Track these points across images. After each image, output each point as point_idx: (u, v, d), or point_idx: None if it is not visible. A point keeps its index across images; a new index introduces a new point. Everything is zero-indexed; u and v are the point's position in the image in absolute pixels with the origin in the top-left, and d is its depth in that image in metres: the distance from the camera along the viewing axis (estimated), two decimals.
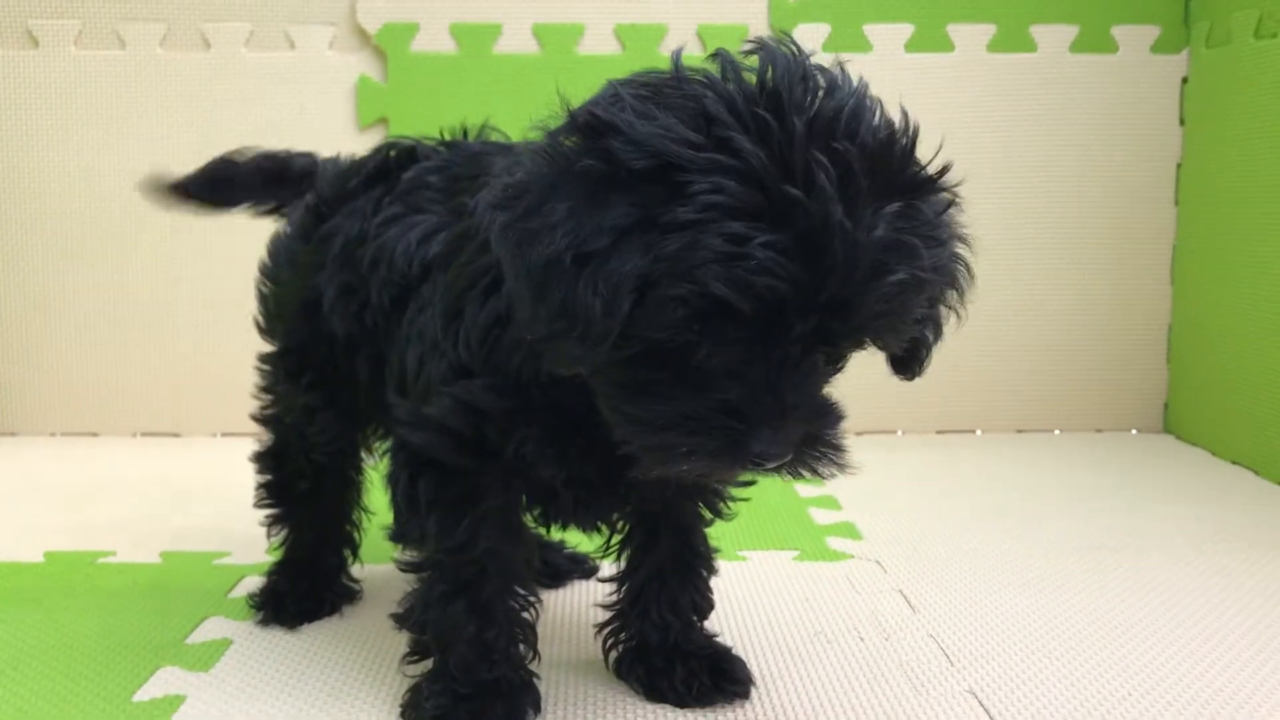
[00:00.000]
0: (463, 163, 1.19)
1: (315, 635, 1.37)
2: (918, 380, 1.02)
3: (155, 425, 2.47)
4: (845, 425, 0.92)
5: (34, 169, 2.39)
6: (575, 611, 1.44)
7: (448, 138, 1.28)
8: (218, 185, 1.47)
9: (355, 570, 1.48)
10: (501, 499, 1.08)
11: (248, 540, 1.68)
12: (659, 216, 0.82)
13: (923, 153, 0.88)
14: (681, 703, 1.17)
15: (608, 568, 1.26)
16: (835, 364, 0.94)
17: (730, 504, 1.21)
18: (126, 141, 2.39)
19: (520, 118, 1.25)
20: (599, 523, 1.16)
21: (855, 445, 0.94)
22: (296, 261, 1.33)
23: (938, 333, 0.97)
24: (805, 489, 1.98)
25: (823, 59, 0.88)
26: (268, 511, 1.43)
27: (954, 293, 0.95)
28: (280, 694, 1.21)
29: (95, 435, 2.46)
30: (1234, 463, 2.22)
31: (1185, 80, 2.41)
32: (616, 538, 1.21)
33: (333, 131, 2.36)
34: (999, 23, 2.41)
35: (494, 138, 1.27)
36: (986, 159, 2.42)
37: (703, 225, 0.80)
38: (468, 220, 1.06)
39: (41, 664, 1.28)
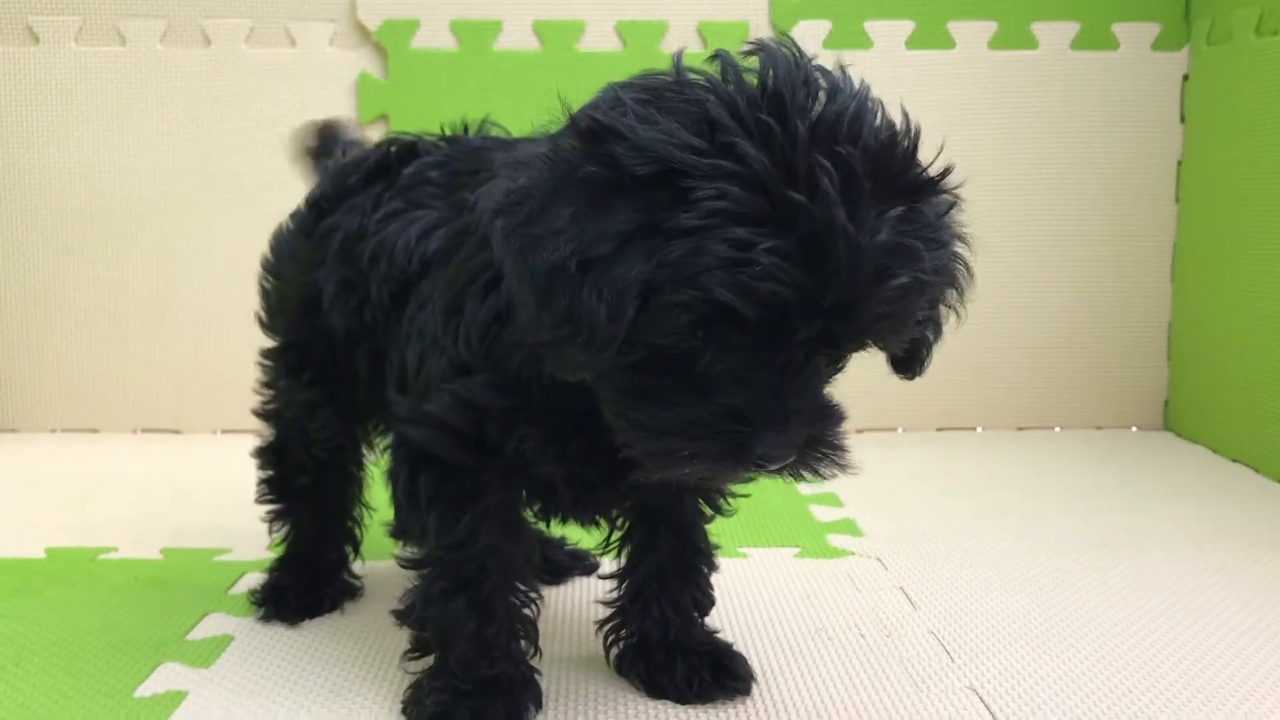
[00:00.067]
0: (463, 158, 1.19)
1: (316, 631, 1.37)
2: (918, 378, 1.02)
3: (156, 422, 2.47)
4: (846, 425, 0.92)
5: (34, 165, 2.39)
6: (576, 608, 1.44)
7: (448, 134, 1.28)
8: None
9: (356, 566, 1.48)
10: (501, 496, 1.08)
11: (248, 537, 1.68)
12: (662, 222, 0.82)
13: (924, 154, 0.88)
14: (682, 699, 1.18)
15: (608, 564, 1.26)
16: (836, 365, 0.94)
17: (730, 501, 1.21)
18: (127, 138, 2.39)
19: (521, 114, 1.25)
20: (598, 519, 1.16)
21: (856, 443, 0.94)
22: (297, 257, 1.33)
23: (938, 332, 0.98)
24: (806, 487, 1.98)
25: (824, 59, 0.88)
26: (269, 507, 1.43)
27: (954, 292, 0.95)
28: (281, 690, 1.21)
29: (96, 432, 2.47)
30: (1234, 460, 2.22)
31: (1186, 77, 2.41)
32: (617, 534, 1.21)
33: None
34: (1000, 20, 2.41)
35: (494, 133, 1.27)
36: (987, 156, 2.42)
37: (707, 231, 0.80)
38: (467, 216, 1.06)
39: (42, 660, 1.28)
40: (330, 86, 2.38)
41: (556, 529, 1.29)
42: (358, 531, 1.46)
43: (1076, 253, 2.47)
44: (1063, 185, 2.45)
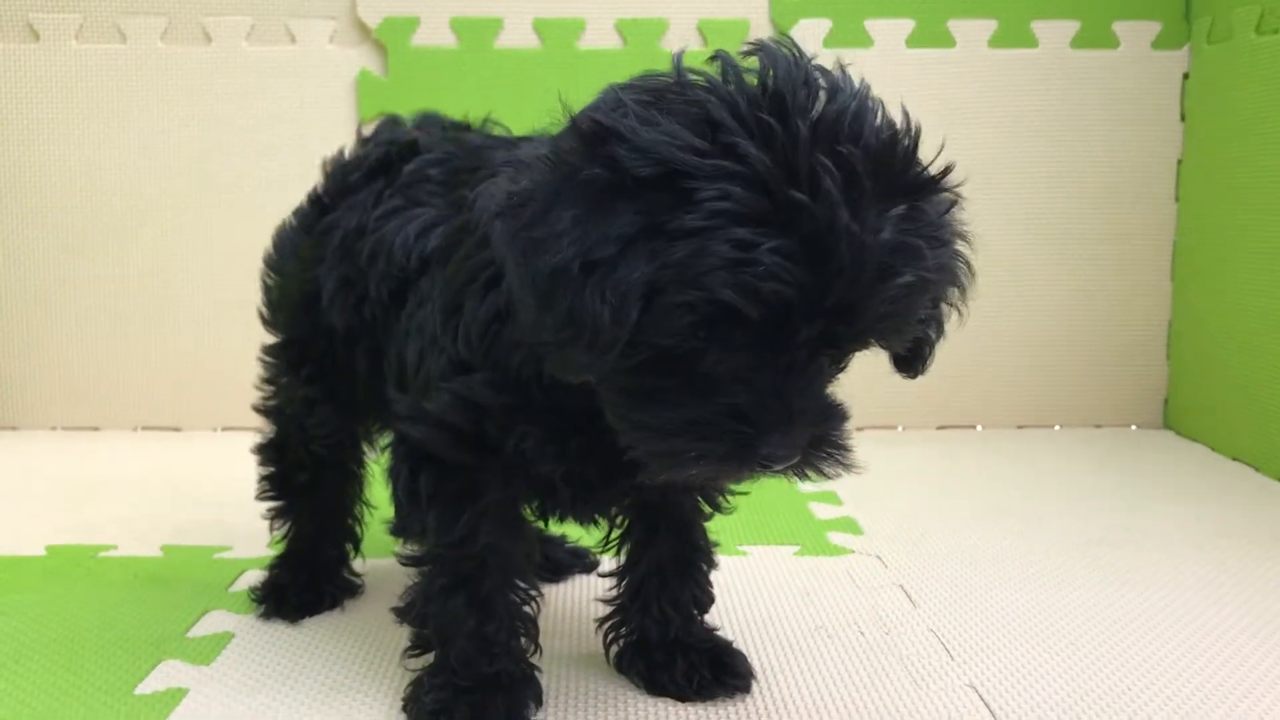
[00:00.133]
0: (464, 156, 1.19)
1: (317, 629, 1.37)
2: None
3: (156, 419, 2.47)
4: (849, 425, 0.93)
5: (35, 163, 2.39)
6: (576, 606, 1.44)
7: (449, 132, 1.28)
8: None
9: (357, 564, 1.48)
10: (501, 494, 1.08)
11: (249, 534, 1.68)
12: (665, 223, 0.82)
13: (924, 152, 0.88)
14: (682, 696, 1.18)
15: (608, 562, 1.26)
16: (839, 365, 0.94)
17: (730, 499, 1.21)
18: (127, 135, 2.39)
19: (521, 112, 1.26)
20: (598, 517, 1.16)
21: (856, 441, 0.94)
22: (299, 254, 1.33)
23: (940, 331, 0.98)
24: (806, 484, 1.97)
25: (824, 58, 0.88)
26: (269, 504, 1.44)
27: (956, 291, 0.95)
28: (282, 687, 1.21)
29: (96, 429, 2.47)
30: (1234, 459, 2.22)
31: (1186, 76, 2.41)
32: (617, 532, 1.21)
33: (333, 126, 2.36)
34: (1000, 18, 2.41)
35: (496, 132, 1.27)
36: (987, 155, 2.42)
37: (710, 232, 0.80)
38: (467, 214, 1.06)
39: (43, 657, 1.28)
40: (330, 84, 2.38)
41: (556, 527, 1.29)
42: (358, 529, 1.46)
43: (1076, 251, 2.47)
44: (1063, 184, 2.45)
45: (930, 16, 2.41)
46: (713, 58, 0.88)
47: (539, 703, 1.14)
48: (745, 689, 1.19)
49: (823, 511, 1.86)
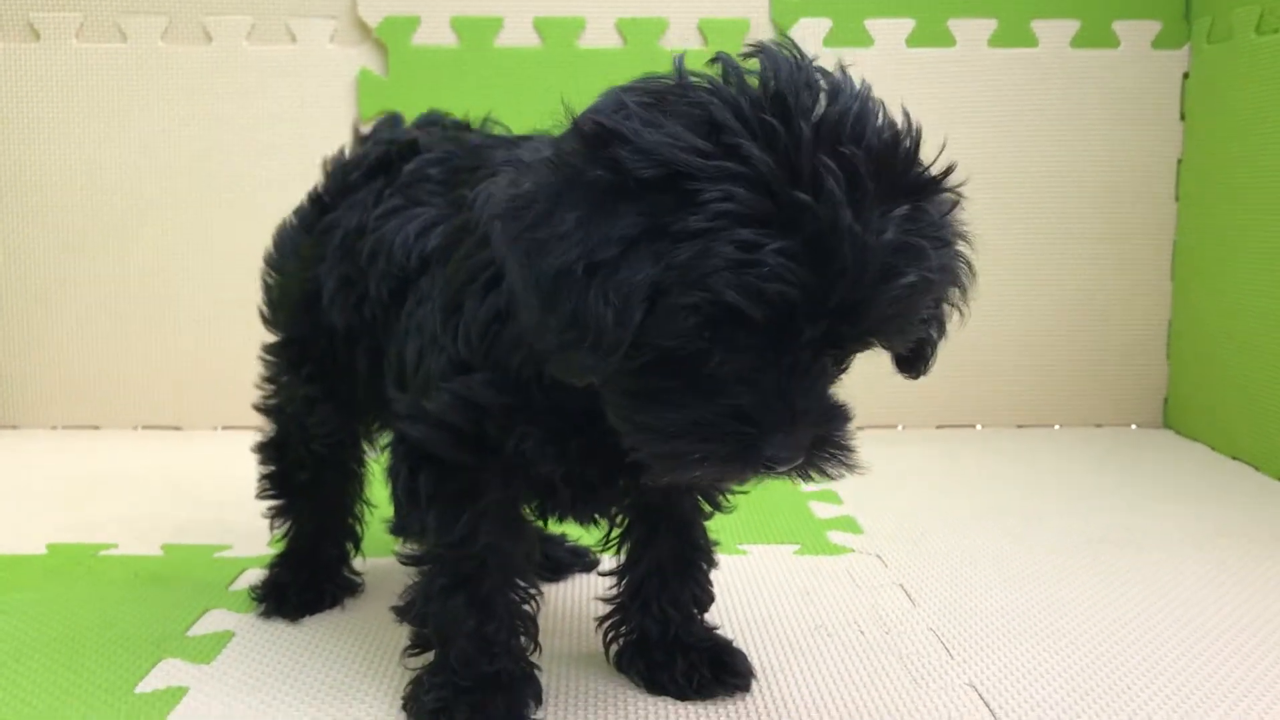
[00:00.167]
0: (463, 155, 1.19)
1: (317, 628, 1.37)
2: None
3: (156, 418, 2.47)
4: (852, 425, 0.93)
5: (35, 162, 2.39)
6: (576, 605, 1.45)
7: (449, 131, 1.28)
8: None
9: (357, 563, 1.48)
10: (501, 494, 1.08)
11: (249, 533, 1.68)
12: (668, 225, 0.82)
13: (925, 153, 0.88)
14: (682, 695, 1.18)
15: (608, 561, 1.26)
16: (841, 365, 0.94)
17: (730, 498, 1.21)
18: (128, 135, 2.39)
19: (521, 111, 1.26)
20: (597, 516, 1.16)
21: (858, 441, 0.94)
22: (299, 253, 1.33)
23: (941, 331, 0.98)
24: (806, 484, 1.98)
25: (824, 57, 0.88)
26: (270, 502, 1.44)
27: (957, 291, 0.95)
28: (282, 686, 1.21)
29: (96, 428, 2.47)
30: (1233, 458, 2.22)
31: (1186, 75, 2.41)
32: (617, 531, 1.22)
33: (334, 125, 2.36)
34: (1000, 17, 2.41)
35: (496, 130, 1.27)
36: (987, 154, 2.42)
37: (714, 233, 0.80)
38: (466, 213, 1.06)
39: (43, 656, 1.28)
40: (331, 83, 2.38)
41: (556, 526, 1.29)
42: (358, 528, 1.47)
43: (1076, 250, 2.47)
44: (1063, 183, 2.45)
45: (930, 16, 2.41)
46: (713, 60, 0.88)
47: (539, 701, 1.14)
48: (745, 688, 1.19)
49: (823, 510, 1.86)
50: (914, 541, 1.71)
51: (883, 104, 0.87)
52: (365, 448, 1.43)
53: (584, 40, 2.37)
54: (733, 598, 1.46)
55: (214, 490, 1.97)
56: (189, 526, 1.77)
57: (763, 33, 2.38)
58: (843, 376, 0.96)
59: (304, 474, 1.40)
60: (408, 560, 1.12)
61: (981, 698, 1.18)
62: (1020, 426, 2.52)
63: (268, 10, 2.37)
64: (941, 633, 1.35)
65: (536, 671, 1.15)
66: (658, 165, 0.82)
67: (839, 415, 0.91)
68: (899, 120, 0.87)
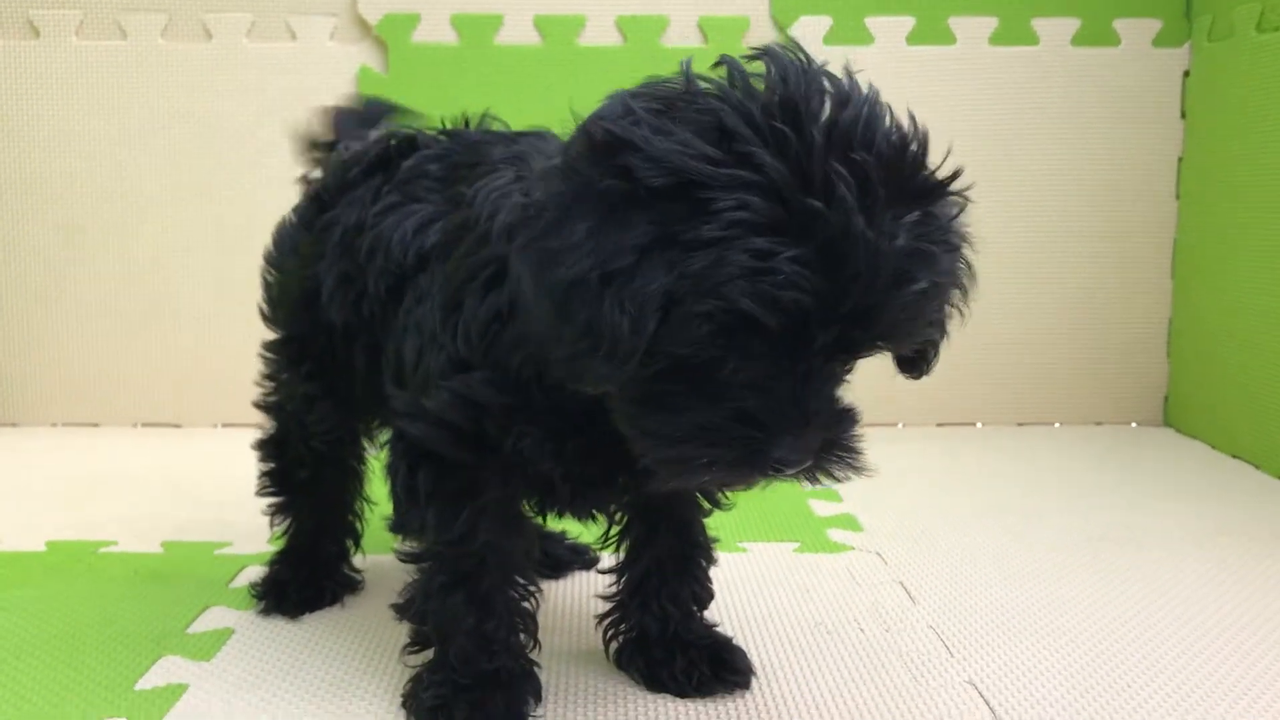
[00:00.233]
0: (461, 151, 1.19)
1: (317, 625, 1.37)
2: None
3: (156, 416, 2.47)
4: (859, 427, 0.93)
5: (35, 160, 2.39)
6: (576, 602, 1.44)
7: (448, 127, 1.27)
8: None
9: (357, 560, 1.48)
10: (500, 491, 1.08)
11: (249, 530, 1.68)
12: (681, 234, 0.82)
13: (932, 156, 0.88)
14: (682, 693, 1.18)
15: (608, 559, 1.26)
16: (849, 368, 0.94)
17: (729, 496, 1.21)
18: (128, 132, 2.39)
19: (521, 109, 1.25)
20: (596, 513, 1.16)
21: (862, 443, 0.94)
22: (298, 250, 1.33)
23: (944, 332, 0.98)
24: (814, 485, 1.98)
25: (824, 55, 0.88)
26: (269, 500, 1.44)
27: (959, 292, 0.95)
28: (282, 683, 1.21)
29: (96, 426, 2.47)
30: (1234, 456, 2.22)
31: (1187, 74, 2.41)
32: (616, 529, 1.21)
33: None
34: (1000, 15, 2.41)
35: (495, 127, 1.26)
36: (987, 153, 2.41)
37: (727, 242, 0.80)
38: (466, 210, 1.06)
39: (43, 653, 1.28)
40: (331, 80, 2.38)
41: (556, 523, 1.29)
42: (358, 525, 1.46)
43: (1077, 248, 2.47)
44: (1063, 181, 2.45)
45: (931, 14, 2.41)
46: (718, 63, 0.88)
47: (538, 699, 1.14)
48: (744, 685, 1.19)
49: (822, 508, 1.86)
50: (914, 539, 1.70)
51: (890, 108, 0.87)
52: (365, 445, 1.43)
53: (584, 38, 2.37)
54: (732, 595, 1.46)
55: (214, 488, 1.97)
56: (189, 524, 1.77)
57: (763, 30, 2.38)
58: (849, 379, 0.96)
59: (304, 471, 1.40)
60: (407, 558, 1.12)
61: (981, 695, 1.18)
62: (1020, 424, 2.52)
63: (268, 7, 2.37)
64: (941, 630, 1.35)
65: (536, 669, 1.15)
66: (669, 174, 0.82)
67: (848, 418, 0.92)
68: (905, 124, 0.87)
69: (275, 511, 1.44)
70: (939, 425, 2.52)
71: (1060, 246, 2.47)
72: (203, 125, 2.38)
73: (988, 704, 1.16)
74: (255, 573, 1.48)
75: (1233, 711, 1.15)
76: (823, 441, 0.89)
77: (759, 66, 0.87)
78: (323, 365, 1.31)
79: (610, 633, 1.24)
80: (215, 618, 1.39)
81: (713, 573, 1.24)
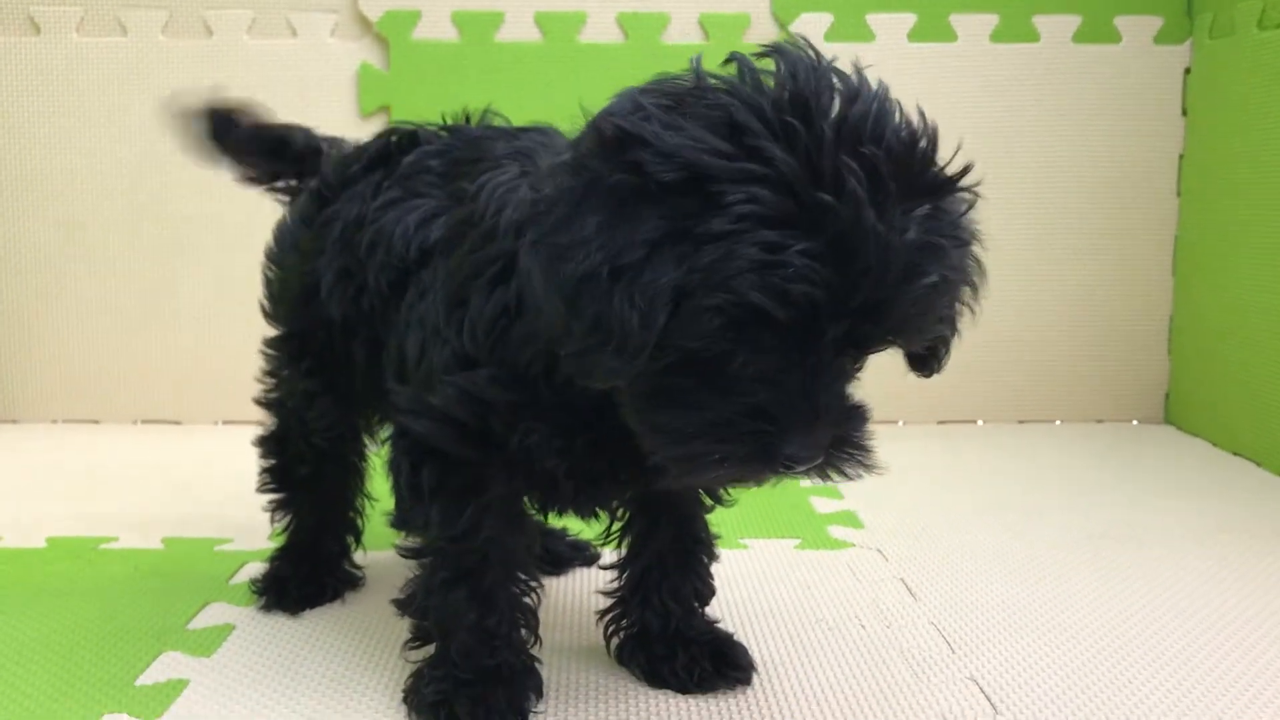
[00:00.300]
0: (463, 147, 1.19)
1: (317, 621, 1.37)
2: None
3: (157, 413, 2.47)
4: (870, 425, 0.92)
5: (35, 157, 2.39)
6: (577, 598, 1.44)
7: (449, 123, 1.27)
8: (224, 126, 1.46)
9: (358, 556, 1.48)
10: (504, 488, 1.08)
11: (249, 527, 1.68)
12: (692, 228, 0.82)
13: (942, 153, 0.88)
14: (683, 689, 1.18)
15: (609, 555, 1.26)
16: (859, 365, 0.94)
17: (731, 492, 1.21)
18: (128, 129, 2.38)
19: (522, 105, 1.25)
20: (598, 509, 1.16)
21: (873, 440, 0.94)
22: (299, 246, 1.33)
23: (954, 330, 0.98)
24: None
25: (835, 54, 0.88)
26: (270, 496, 1.43)
27: (969, 290, 0.95)
28: (282, 679, 1.21)
29: (96, 423, 2.47)
30: (1235, 454, 2.22)
31: (1188, 71, 2.41)
32: (618, 525, 1.21)
33: (334, 119, 2.35)
34: (1001, 13, 2.40)
35: (496, 123, 1.26)
36: (988, 150, 2.41)
37: (737, 235, 0.80)
38: (470, 205, 1.06)
39: (44, 649, 1.28)
40: (331, 77, 2.38)
41: (557, 520, 1.29)
42: (359, 521, 1.46)
43: (1077, 246, 2.47)
44: (1064, 179, 2.45)
45: (932, 11, 2.40)
46: (728, 60, 0.88)
47: (539, 695, 1.14)
48: (746, 681, 1.19)
49: (823, 505, 1.86)
50: (915, 536, 1.70)
51: (899, 104, 0.87)
52: (366, 441, 1.43)
53: (585, 35, 2.37)
54: (734, 592, 1.46)
55: (214, 484, 1.97)
56: (189, 520, 1.77)
57: (764, 27, 2.38)
58: (859, 376, 0.95)
59: (304, 468, 1.40)
60: (408, 553, 1.12)
61: (982, 691, 1.18)
62: (1021, 422, 2.52)
63: (268, 4, 2.37)
64: (942, 627, 1.35)
65: (537, 664, 1.15)
66: (679, 168, 0.82)
67: (858, 415, 0.92)
68: (915, 120, 0.87)
69: (276, 508, 1.44)
70: (940, 423, 2.52)
71: (1061, 244, 2.47)
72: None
73: (989, 700, 1.16)
74: (256, 569, 1.48)
75: (1234, 708, 1.15)
76: (833, 438, 0.89)
77: (769, 64, 0.87)
78: (323, 361, 1.31)
79: (611, 629, 1.24)
80: (216, 614, 1.39)
81: (714, 569, 1.24)
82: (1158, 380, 2.52)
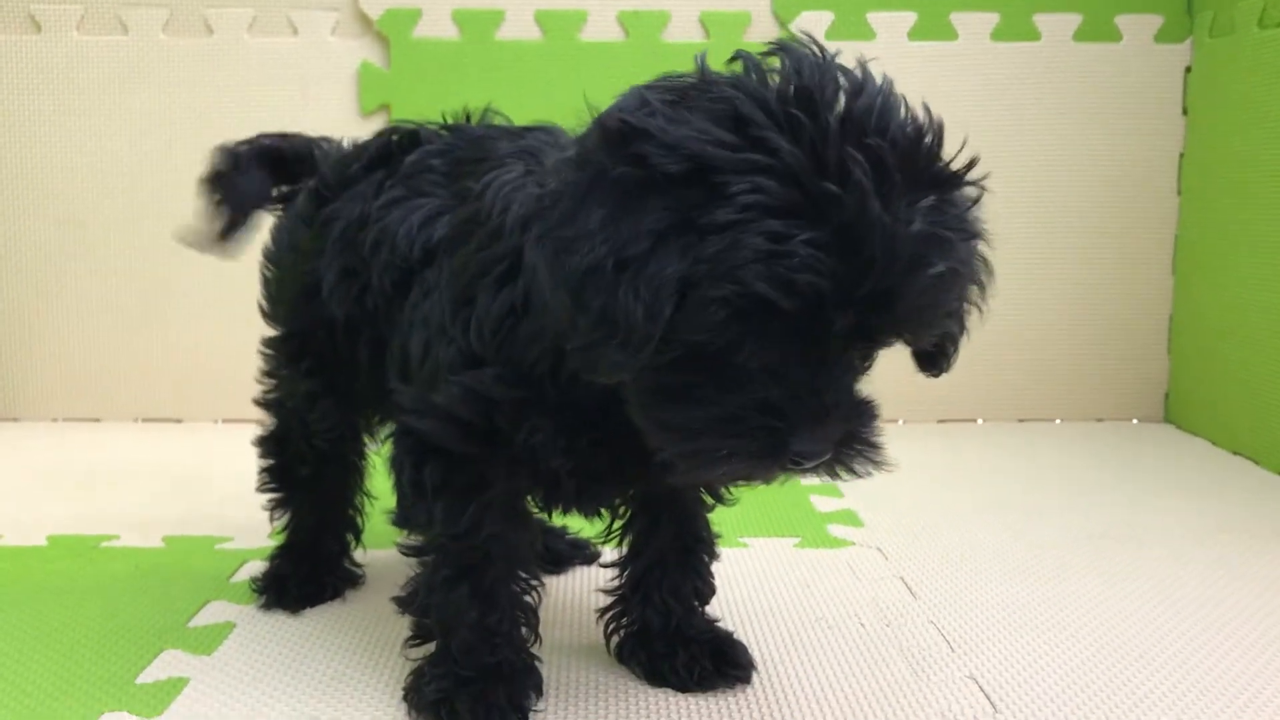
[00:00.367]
0: (465, 146, 1.19)
1: (318, 619, 1.38)
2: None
3: (157, 411, 2.47)
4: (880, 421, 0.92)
5: (36, 155, 2.39)
6: (577, 597, 1.45)
7: (449, 122, 1.27)
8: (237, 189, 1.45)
9: (358, 555, 1.48)
10: (507, 486, 1.08)
11: (250, 525, 1.68)
12: (696, 219, 0.82)
13: (948, 148, 0.88)
14: (683, 687, 1.18)
15: (609, 553, 1.26)
16: (867, 361, 0.94)
17: (733, 491, 1.21)
18: (129, 127, 2.38)
19: (523, 104, 1.25)
20: (600, 508, 1.16)
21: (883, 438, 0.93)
22: (298, 246, 1.32)
23: (963, 327, 0.98)
24: (806, 477, 1.98)
25: (840, 50, 0.88)
26: (270, 496, 1.43)
27: (977, 288, 0.95)
28: (283, 677, 1.21)
29: (97, 421, 2.47)
30: (1235, 453, 2.22)
31: (1188, 70, 2.41)
32: (618, 523, 1.21)
33: (335, 117, 2.36)
34: (1002, 11, 2.40)
35: (497, 122, 1.26)
36: (988, 149, 2.36)
37: (742, 225, 0.80)
38: (474, 204, 1.06)
39: (45, 647, 1.28)
40: (332, 76, 2.38)
41: (558, 518, 1.29)
42: (359, 520, 1.46)
43: (1077, 245, 2.47)
44: (1064, 177, 2.45)
45: (932, 10, 2.40)
46: (734, 57, 0.88)
47: (539, 693, 1.14)
48: (746, 680, 1.19)
49: (823, 504, 1.86)
50: (915, 535, 1.71)
51: (904, 98, 0.87)
52: (365, 440, 1.43)
53: (586, 33, 2.37)
54: (734, 590, 1.46)
55: (215, 483, 1.97)
56: (190, 519, 1.77)
57: (764, 25, 2.38)
58: (868, 374, 0.95)
59: (305, 468, 1.40)
60: (410, 551, 1.12)
61: (982, 690, 1.18)
62: (1021, 421, 2.52)
63: (269, 3, 2.37)
64: (942, 625, 1.36)
65: (537, 663, 1.15)
66: (684, 159, 0.82)
67: (867, 411, 0.91)
68: (920, 115, 0.87)
69: (275, 507, 1.44)
70: (940, 421, 2.52)
71: (1061, 242, 2.47)
72: (204, 121, 2.38)
73: (988, 698, 1.16)
74: (256, 567, 1.48)
75: (1232, 707, 1.15)
76: (843, 434, 0.89)
77: (775, 62, 0.87)
78: (323, 361, 1.31)
79: (611, 627, 1.24)
80: (216, 612, 1.39)
81: (714, 568, 1.24)
82: (1158, 379, 2.52)
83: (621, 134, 0.85)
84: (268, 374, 1.39)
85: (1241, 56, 2.20)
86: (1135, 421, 2.52)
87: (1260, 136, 2.14)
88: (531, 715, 1.11)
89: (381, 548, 1.48)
